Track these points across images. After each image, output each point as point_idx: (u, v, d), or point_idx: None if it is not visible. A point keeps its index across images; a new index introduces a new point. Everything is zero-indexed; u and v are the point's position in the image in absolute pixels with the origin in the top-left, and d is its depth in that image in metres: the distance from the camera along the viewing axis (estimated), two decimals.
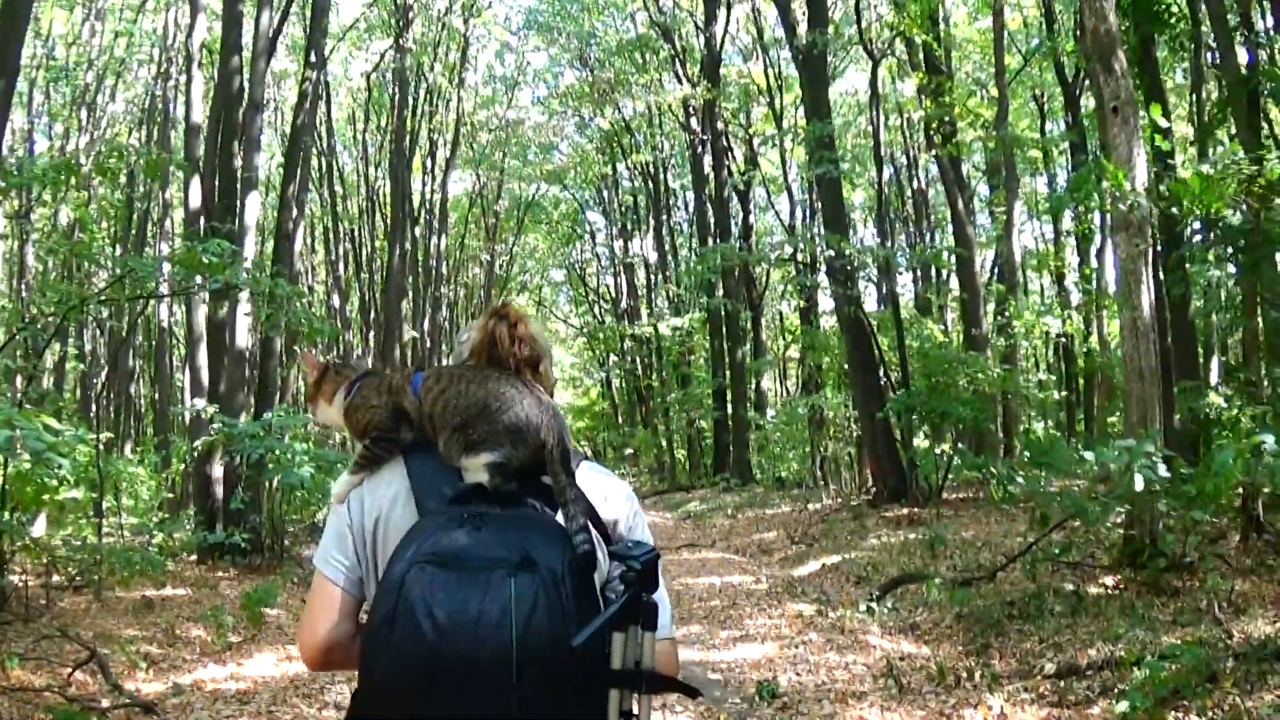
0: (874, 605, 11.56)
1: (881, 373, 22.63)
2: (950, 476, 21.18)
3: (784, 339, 49.27)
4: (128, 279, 13.13)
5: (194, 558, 17.73)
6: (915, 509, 19.46)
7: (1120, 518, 10.91)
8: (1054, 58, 27.56)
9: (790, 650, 10.15)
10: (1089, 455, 10.07)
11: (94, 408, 34.68)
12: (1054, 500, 10.98)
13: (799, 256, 25.01)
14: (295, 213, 22.52)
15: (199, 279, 12.89)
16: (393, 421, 2.79)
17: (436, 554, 2.39)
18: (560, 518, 2.59)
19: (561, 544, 2.47)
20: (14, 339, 13.95)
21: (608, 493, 2.80)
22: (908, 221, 41.32)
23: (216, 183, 19.98)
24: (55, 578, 13.96)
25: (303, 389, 45.81)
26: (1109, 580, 10.53)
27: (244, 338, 19.15)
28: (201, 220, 19.27)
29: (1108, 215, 23.81)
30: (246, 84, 20.34)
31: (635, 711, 2.43)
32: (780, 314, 50.65)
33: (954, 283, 36.32)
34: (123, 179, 32.74)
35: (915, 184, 39.22)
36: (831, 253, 21.33)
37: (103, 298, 14.35)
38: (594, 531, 2.59)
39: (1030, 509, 13.48)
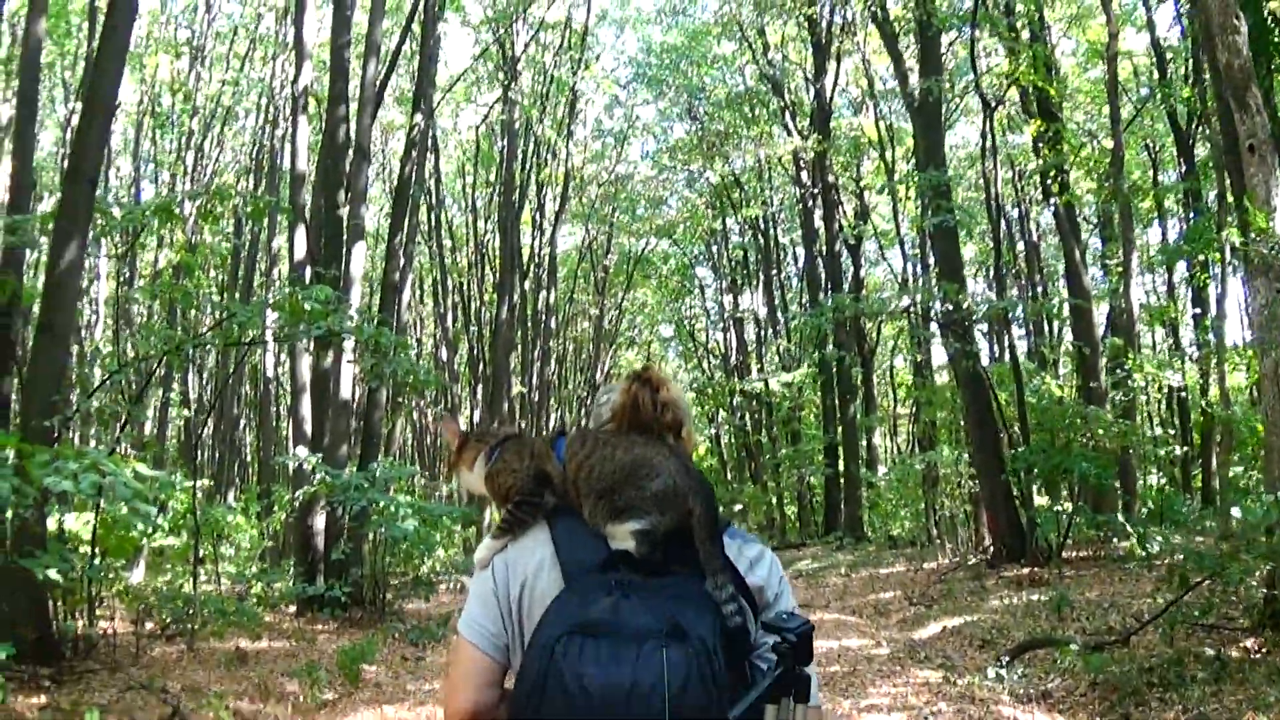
0: (1003, 672, 10.88)
1: (1000, 428, 21.91)
2: (1070, 535, 20.42)
3: (894, 395, 48.61)
4: (229, 324, 12.85)
5: (293, 609, 17.42)
6: (1035, 569, 18.71)
7: (1257, 577, 10.24)
8: (1167, 105, 26.98)
9: None
10: (1235, 512, 9.42)
11: (197, 455, 34.73)
12: (1195, 559, 10.32)
13: (915, 309, 24.31)
14: (402, 263, 22.38)
15: (302, 326, 12.55)
16: (536, 486, 2.78)
17: (586, 623, 2.39)
18: (708, 586, 2.54)
19: (711, 614, 2.47)
20: (107, 381, 13.67)
21: (753, 559, 2.75)
22: (1019, 275, 40.52)
23: (323, 232, 19.85)
24: (149, 626, 13.68)
25: (407, 441, 45.89)
26: (1250, 643, 9.84)
27: (348, 388, 18.92)
28: (307, 270, 19.09)
29: (1228, 264, 23.15)
30: (353, 133, 20.20)
31: None
32: (891, 369, 50.01)
33: (1066, 336, 35.70)
34: (228, 225, 32.91)
35: (1027, 237, 38.40)
36: (949, 306, 20.72)
37: (203, 341, 14.12)
38: (742, 600, 2.57)
39: (1167, 568, 12.82)
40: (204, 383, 38.29)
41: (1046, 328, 35.80)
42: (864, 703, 10.53)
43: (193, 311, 26.05)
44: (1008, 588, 17.64)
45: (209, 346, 14.48)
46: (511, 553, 2.72)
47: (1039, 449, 20.11)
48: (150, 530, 14.38)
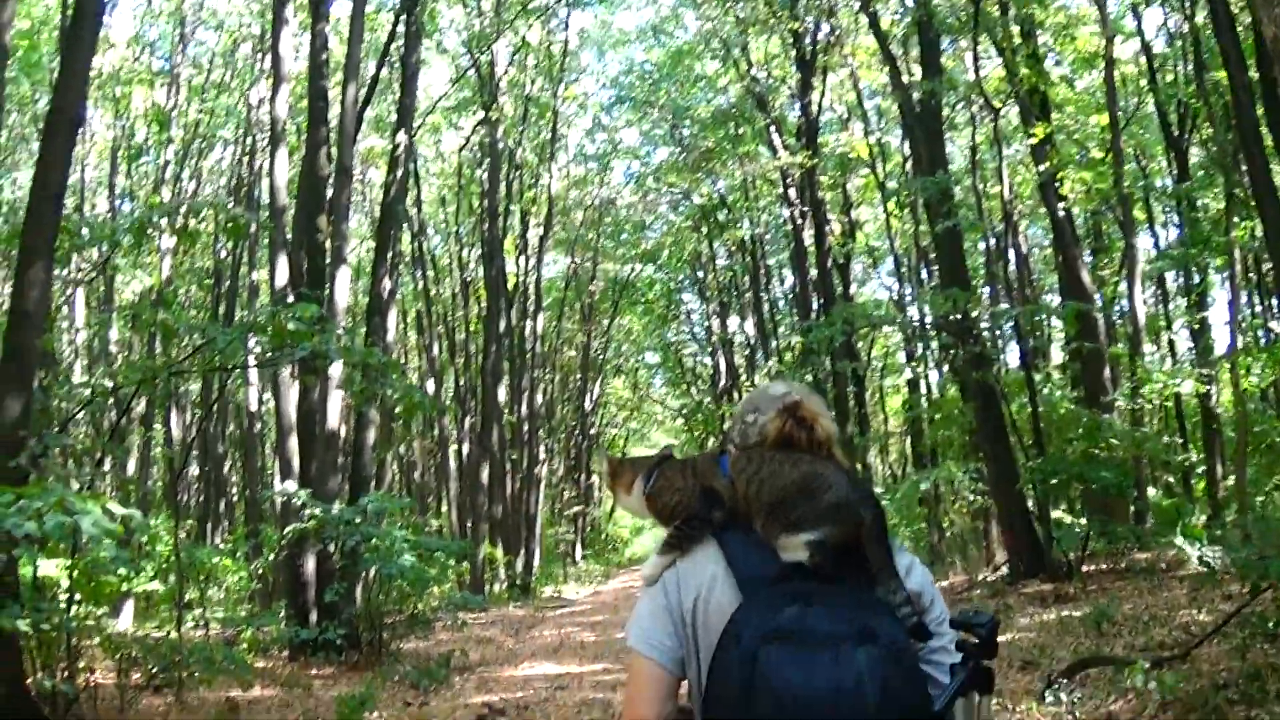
0: (1061, 695, 10.05)
1: (1014, 441, 21.15)
2: (1088, 549, 19.67)
3: (884, 415, 48.01)
4: (209, 350, 11.97)
5: (285, 654, 16.52)
6: (1057, 584, 17.95)
7: None
8: (1160, 107, 26.53)
9: None
10: None
11: (181, 496, 33.94)
12: (1256, 568, 9.56)
13: (926, 319, 23.48)
14: (388, 287, 21.64)
15: (285, 349, 11.69)
16: (703, 503, 2.83)
17: (780, 630, 2.44)
18: (879, 592, 2.62)
19: (890, 617, 2.53)
20: (79, 413, 12.75)
21: (907, 568, 2.78)
22: (1009, 288, 39.90)
23: (305, 258, 19.10)
24: (135, 677, 12.76)
25: (395, 477, 45.23)
26: None
27: (335, 418, 18.06)
28: (290, 298, 18.30)
29: (1235, 265, 22.55)
30: (334, 154, 19.47)
31: None
32: (881, 390, 49.47)
33: (1054, 349, 35.20)
34: (206, 255, 32.06)
35: (1018, 250, 37.70)
36: (958, 315, 19.95)
37: (181, 370, 13.21)
38: (914, 604, 2.63)
39: (1212, 577, 12.07)
40: (187, 422, 37.40)
41: (1043, 340, 35.17)
42: None
43: (173, 347, 25.16)
44: (1032, 604, 16.89)
45: (188, 376, 13.51)
46: (682, 567, 2.79)
47: (1056, 460, 19.42)
48: (132, 574, 13.56)
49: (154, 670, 12.66)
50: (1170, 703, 8.84)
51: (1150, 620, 13.08)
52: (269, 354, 12.64)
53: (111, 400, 15.17)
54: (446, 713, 12.62)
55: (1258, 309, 30.77)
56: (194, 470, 38.85)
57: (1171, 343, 34.42)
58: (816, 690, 2.32)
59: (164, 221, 15.96)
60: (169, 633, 14.87)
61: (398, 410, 16.58)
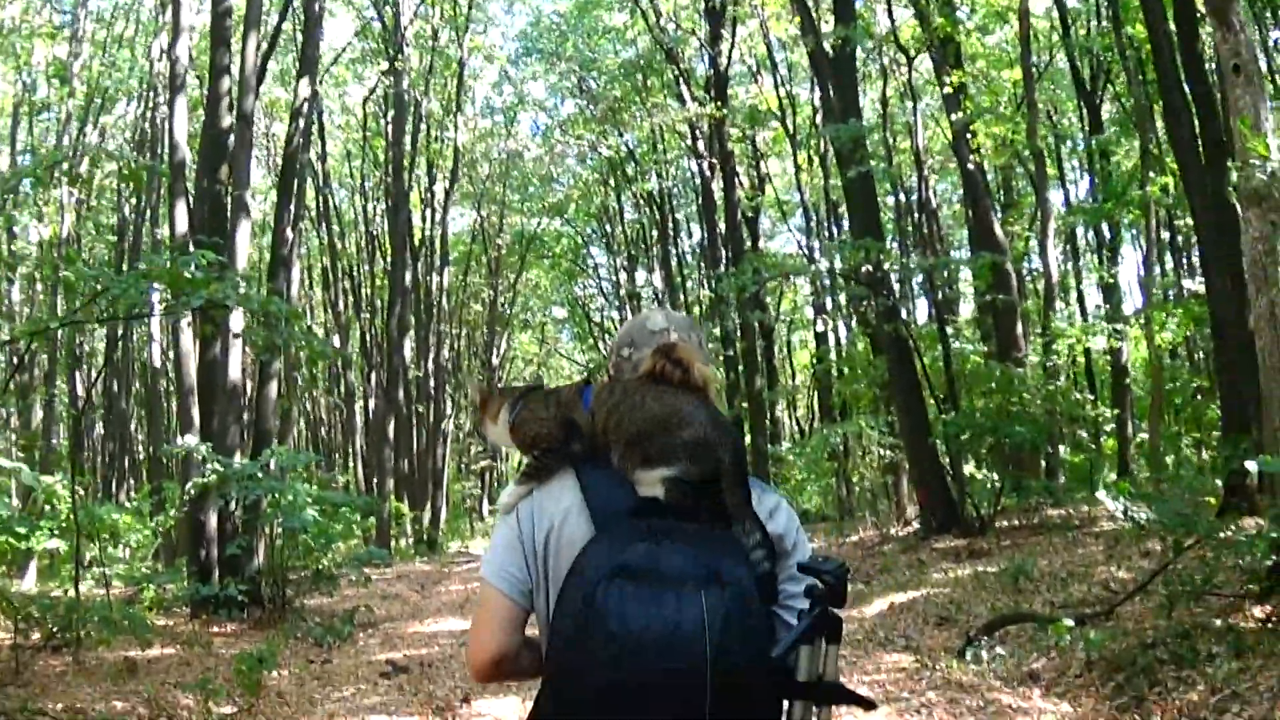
0: (981, 653, 9.82)
1: (927, 394, 21.01)
2: (1000, 505, 19.58)
3: (791, 369, 47.98)
4: (105, 298, 11.42)
5: (188, 612, 16.04)
6: (970, 539, 17.83)
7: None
8: (1072, 65, 26.62)
9: (916, 717, 8.43)
10: (1252, 466, 8.47)
11: (89, 455, 33.23)
12: (1184, 522, 9.39)
13: (839, 267, 23.14)
14: (291, 238, 21.12)
15: (184, 297, 11.15)
16: (562, 433, 2.79)
17: (624, 567, 2.39)
18: (735, 533, 2.57)
19: (743, 561, 2.50)
20: None
21: (771, 508, 2.77)
22: (918, 243, 39.89)
23: (205, 208, 18.54)
24: (35, 637, 12.26)
25: (300, 433, 44.70)
26: (1258, 612, 8.85)
27: (237, 370, 17.57)
28: (190, 247, 17.73)
29: (1153, 221, 22.57)
30: (235, 99, 18.89)
31: None
32: (788, 344, 49.46)
33: (964, 303, 35.36)
34: (109, 205, 31.22)
35: (927, 205, 37.61)
36: (868, 266, 19.70)
37: (73, 321, 12.64)
38: (770, 548, 2.60)
39: (1136, 532, 11.95)
40: (92, 380, 36.65)
41: (948, 294, 35.27)
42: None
43: (74, 300, 24.32)
44: (946, 560, 16.77)
45: (89, 329, 12.87)
46: (538, 498, 2.74)
47: (970, 415, 19.31)
48: (30, 534, 13.07)
49: (53, 630, 12.16)
50: (1095, 661, 8.64)
51: (1069, 577, 12.92)
52: (166, 304, 12.08)
53: (8, 355, 14.59)
54: (350, 670, 12.26)
55: (1169, 266, 30.97)
56: (100, 430, 38.14)
57: (1081, 298, 34.65)
58: (653, 631, 2.28)
59: (63, 169, 15.34)
60: (66, 592, 14.42)
61: (301, 360, 16.12)
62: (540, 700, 2.51)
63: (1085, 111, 28.00)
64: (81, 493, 19.10)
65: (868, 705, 2.65)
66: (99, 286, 11.10)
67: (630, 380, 2.84)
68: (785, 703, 2.48)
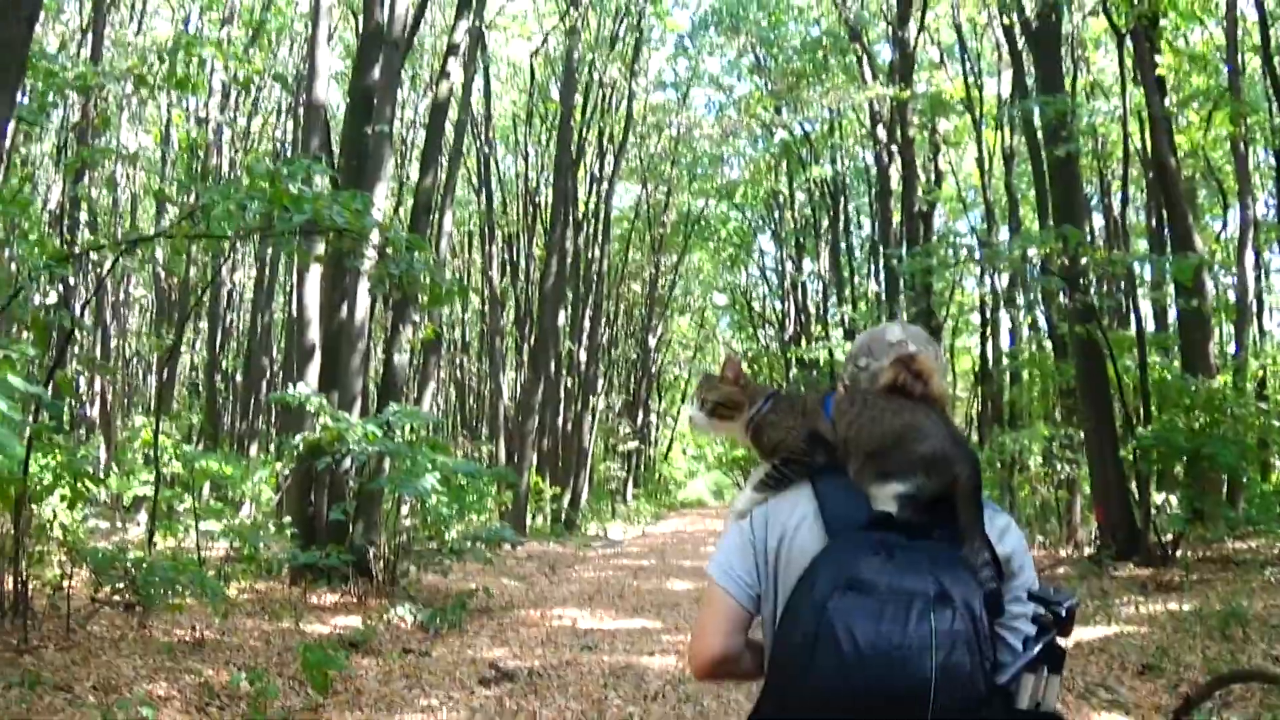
0: (1213, 719, 7.96)
1: (1119, 406, 19.00)
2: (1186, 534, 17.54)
3: (953, 373, 46.22)
4: (201, 214, 9.87)
5: (288, 578, 14.62)
6: (1154, 570, 15.83)
7: None
8: (1269, 69, 24.07)
9: None
10: None
11: (220, 410, 32.41)
12: None
13: (1032, 260, 21.11)
14: (443, 178, 19.64)
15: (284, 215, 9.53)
16: (808, 445, 2.78)
17: (856, 580, 2.39)
18: (964, 552, 2.54)
19: (971, 580, 2.46)
20: (18, 294, 10.59)
21: (1002, 529, 2.72)
22: (1122, 235, 37.71)
23: (342, 137, 17.18)
24: (106, 590, 10.85)
25: (446, 397, 43.68)
26: None
27: (363, 313, 16.07)
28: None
29: None
30: (384, 25, 17.39)
31: None
32: (952, 348, 47.83)
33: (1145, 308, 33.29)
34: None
35: (1125, 196, 35.32)
36: (1065, 259, 17.71)
37: (160, 235, 11.10)
38: (996, 568, 2.56)
39: None
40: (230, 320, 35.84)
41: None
42: None
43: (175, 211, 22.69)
44: (1130, 591, 14.68)
45: (168, 243, 11.22)
46: (773, 505, 2.76)
47: (1169, 432, 17.26)
48: (99, 477, 11.77)
49: (117, 587, 10.74)
50: None
51: None
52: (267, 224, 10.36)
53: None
54: (447, 668, 10.53)
55: None
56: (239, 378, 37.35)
57: (1261, 317, 32.51)
58: (880, 646, 2.26)
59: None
60: (155, 545, 13.09)
61: (423, 301, 14.50)
62: (761, 702, 2.53)
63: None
64: (177, 436, 17.86)
65: None
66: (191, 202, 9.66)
67: (870, 392, 2.83)
68: None
